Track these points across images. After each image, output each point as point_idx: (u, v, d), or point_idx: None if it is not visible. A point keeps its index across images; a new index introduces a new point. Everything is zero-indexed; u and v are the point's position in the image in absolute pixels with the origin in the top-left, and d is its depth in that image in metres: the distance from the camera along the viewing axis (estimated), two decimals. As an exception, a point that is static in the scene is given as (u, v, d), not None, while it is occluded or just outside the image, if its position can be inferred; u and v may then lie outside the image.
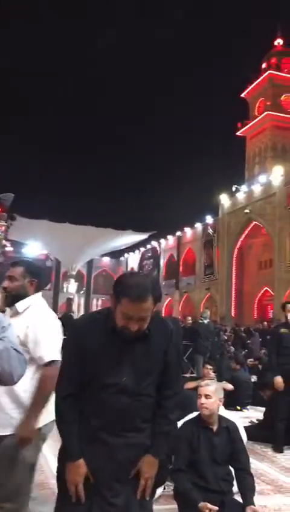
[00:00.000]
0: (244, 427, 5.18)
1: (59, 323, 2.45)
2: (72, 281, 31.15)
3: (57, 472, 1.87)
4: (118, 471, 1.75)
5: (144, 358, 1.77)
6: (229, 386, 7.19)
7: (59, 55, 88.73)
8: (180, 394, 4.87)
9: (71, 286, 31.10)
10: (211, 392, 2.84)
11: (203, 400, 2.82)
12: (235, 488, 2.90)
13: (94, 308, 45.30)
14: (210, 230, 32.64)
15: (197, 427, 2.85)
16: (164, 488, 3.43)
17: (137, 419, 1.78)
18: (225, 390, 7.17)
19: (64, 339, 2.05)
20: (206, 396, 2.82)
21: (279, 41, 39.24)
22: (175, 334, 2.09)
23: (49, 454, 4.37)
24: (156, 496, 3.33)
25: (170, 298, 38.51)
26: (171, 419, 1.96)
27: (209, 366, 5.81)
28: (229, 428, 2.85)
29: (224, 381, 7.35)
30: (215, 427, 2.83)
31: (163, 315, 19.71)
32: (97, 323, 1.79)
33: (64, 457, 1.79)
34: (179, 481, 2.75)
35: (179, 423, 3.22)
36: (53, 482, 3.41)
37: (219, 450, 2.77)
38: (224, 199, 31.12)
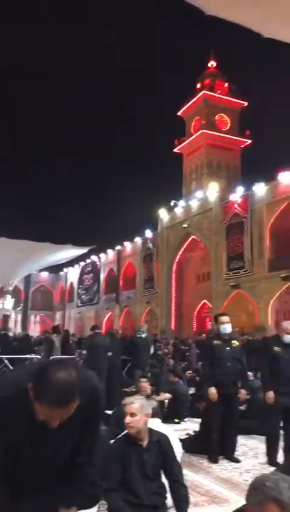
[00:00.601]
0: (182, 439, 5.23)
1: None
2: (9, 297, 30.05)
3: None
4: None
5: (66, 434, 1.71)
6: (167, 395, 7.28)
7: (59, 55, 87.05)
8: (117, 410, 4.85)
9: (7, 302, 29.97)
10: (136, 409, 2.82)
11: (128, 418, 2.80)
12: (170, 502, 2.90)
13: (32, 325, 44.11)
14: (150, 245, 33.03)
15: (127, 445, 2.83)
16: (99, 507, 3.37)
17: (58, 477, 1.81)
18: (163, 400, 7.26)
19: None
20: (132, 414, 2.80)
21: (212, 63, 40.95)
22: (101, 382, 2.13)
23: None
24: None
25: (110, 312, 38.33)
26: (86, 472, 1.94)
27: (143, 379, 5.83)
28: (160, 441, 2.85)
29: (161, 392, 7.43)
30: (145, 443, 2.83)
31: (103, 330, 19.51)
32: (18, 400, 1.59)
33: None
34: (112, 500, 2.72)
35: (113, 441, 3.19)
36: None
37: (149, 465, 2.77)
38: (163, 214, 31.72)
